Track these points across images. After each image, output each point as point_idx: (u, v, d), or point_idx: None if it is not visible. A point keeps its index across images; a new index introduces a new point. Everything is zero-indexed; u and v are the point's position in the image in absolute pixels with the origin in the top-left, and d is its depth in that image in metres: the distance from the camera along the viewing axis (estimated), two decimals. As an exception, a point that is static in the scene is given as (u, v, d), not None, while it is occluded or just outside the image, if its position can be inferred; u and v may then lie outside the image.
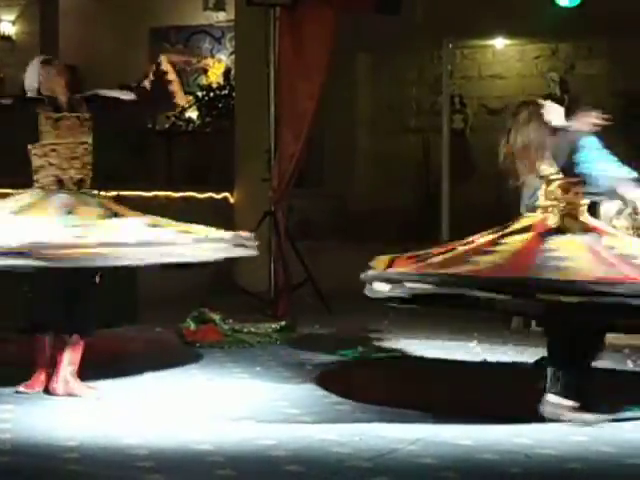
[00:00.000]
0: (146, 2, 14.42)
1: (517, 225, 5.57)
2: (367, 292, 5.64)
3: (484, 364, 7.11)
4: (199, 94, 13.64)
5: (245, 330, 7.99)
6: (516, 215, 5.67)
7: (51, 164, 6.00)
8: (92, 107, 6.16)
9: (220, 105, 13.28)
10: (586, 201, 5.56)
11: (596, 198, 5.82)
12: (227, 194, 11.49)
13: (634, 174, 5.38)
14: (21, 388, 5.86)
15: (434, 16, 11.13)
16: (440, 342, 7.83)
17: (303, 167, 9.78)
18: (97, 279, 5.97)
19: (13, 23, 14.35)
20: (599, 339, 5.58)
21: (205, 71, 14.58)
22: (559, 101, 11.75)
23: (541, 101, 5.73)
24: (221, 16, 14.16)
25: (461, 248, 5.59)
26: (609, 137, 5.60)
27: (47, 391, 5.87)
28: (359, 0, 9.77)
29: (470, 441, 4.94)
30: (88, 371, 6.08)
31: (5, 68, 13.91)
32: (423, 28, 11.19)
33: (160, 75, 6.58)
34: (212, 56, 14.58)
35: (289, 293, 9.37)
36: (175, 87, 6.52)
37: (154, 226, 6.06)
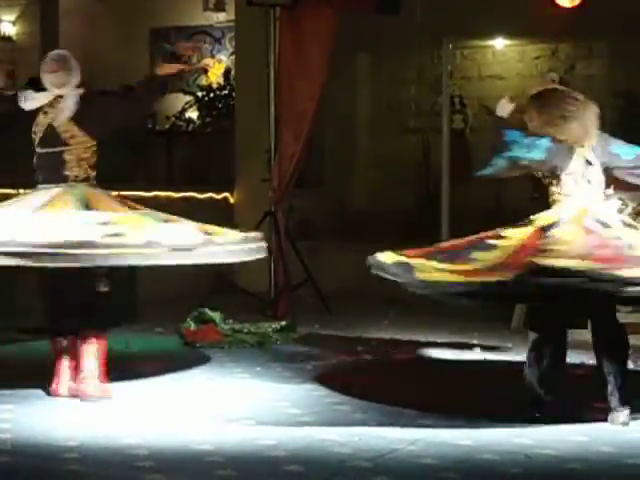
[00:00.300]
0: (146, 2, 14.43)
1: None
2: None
3: (484, 364, 7.11)
4: (199, 94, 13.64)
5: (245, 330, 7.99)
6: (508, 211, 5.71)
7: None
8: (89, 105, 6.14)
9: (220, 105, 13.28)
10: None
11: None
12: (227, 194, 11.49)
13: None
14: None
15: (434, 16, 11.12)
16: (440, 342, 7.83)
17: (303, 167, 9.78)
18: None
19: (13, 23, 14.36)
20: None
21: (205, 71, 14.58)
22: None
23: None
24: (221, 16, 14.17)
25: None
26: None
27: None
28: (359, 0, 9.77)
29: (470, 441, 4.94)
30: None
31: (6, 67, 13.93)
32: (423, 28, 11.17)
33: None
34: (212, 56, 14.59)
35: (289, 293, 9.37)
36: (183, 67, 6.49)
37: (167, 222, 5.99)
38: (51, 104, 5.99)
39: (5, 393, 5.85)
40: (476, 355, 7.39)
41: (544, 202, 5.65)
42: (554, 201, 5.62)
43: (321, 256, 10.41)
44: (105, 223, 5.63)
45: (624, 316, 7.51)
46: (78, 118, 5.96)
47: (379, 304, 8.68)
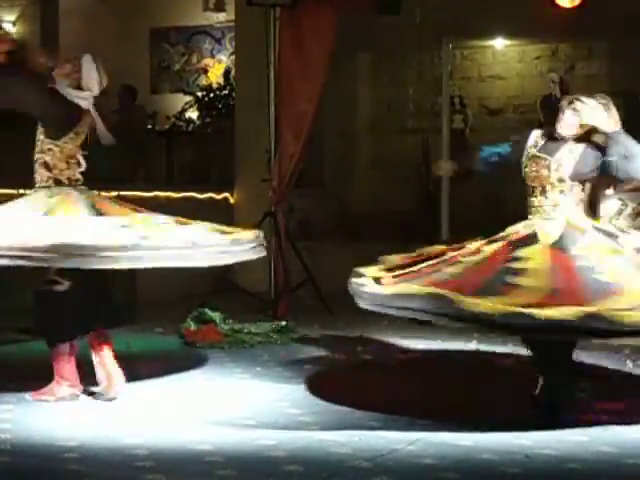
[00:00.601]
0: (146, 2, 14.43)
1: (519, 232, 5.60)
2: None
3: (484, 364, 7.11)
4: (199, 94, 13.64)
5: (245, 330, 7.99)
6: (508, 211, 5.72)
7: (47, 164, 5.92)
8: None
9: (220, 105, 13.28)
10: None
11: None
12: (227, 194, 11.49)
13: None
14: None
15: (434, 16, 11.13)
16: (440, 342, 7.83)
17: (303, 167, 9.78)
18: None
19: (14, 24, 14.35)
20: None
21: (205, 71, 14.58)
22: (559, 101, 11.78)
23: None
24: (221, 16, 14.17)
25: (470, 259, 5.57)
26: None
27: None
28: (359, 0, 9.77)
29: (470, 441, 4.94)
30: (88, 371, 6.08)
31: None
32: (423, 28, 11.19)
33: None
34: (212, 56, 14.59)
35: (289, 293, 9.37)
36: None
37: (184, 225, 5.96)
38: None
39: (5, 393, 5.84)
40: (476, 355, 7.39)
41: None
42: (532, 210, 5.61)
43: (321, 256, 10.41)
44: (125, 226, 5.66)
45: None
46: None
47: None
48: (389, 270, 5.67)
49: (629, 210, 7.01)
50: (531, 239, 5.49)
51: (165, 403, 5.83)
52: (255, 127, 10.47)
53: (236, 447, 4.84)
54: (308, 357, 7.24)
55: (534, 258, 5.35)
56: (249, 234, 6.11)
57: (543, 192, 5.59)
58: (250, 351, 7.54)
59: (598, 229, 5.57)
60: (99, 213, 5.81)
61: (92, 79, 6.04)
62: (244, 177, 11.35)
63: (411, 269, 5.59)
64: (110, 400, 5.75)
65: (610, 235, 5.58)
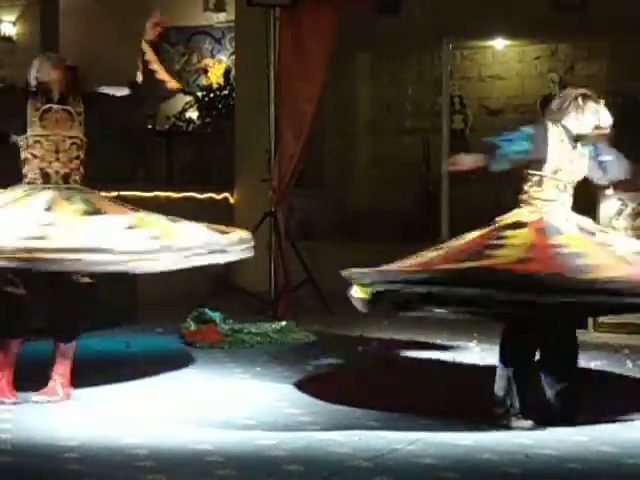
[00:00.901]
0: (146, 2, 14.41)
1: (509, 220, 5.57)
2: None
3: (484, 365, 7.11)
4: (199, 94, 13.64)
5: (245, 330, 7.99)
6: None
7: (35, 156, 5.91)
8: (87, 104, 6.12)
9: (220, 105, 13.28)
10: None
11: None
12: (227, 194, 11.49)
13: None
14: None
15: (434, 16, 11.13)
16: (440, 342, 7.83)
17: (303, 167, 9.78)
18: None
19: (14, 24, 14.34)
20: None
21: (205, 71, 14.58)
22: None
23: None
24: (221, 17, 14.16)
25: (459, 242, 5.59)
26: (609, 137, 5.62)
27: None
28: (359, 0, 9.77)
29: (470, 441, 4.94)
30: (88, 371, 6.09)
31: (6, 68, 13.92)
32: (423, 28, 11.19)
33: (145, 65, 6.45)
34: (212, 57, 14.59)
35: (289, 293, 9.37)
36: (161, 74, 6.35)
37: (132, 228, 5.83)
38: None
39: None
40: (476, 355, 7.39)
41: None
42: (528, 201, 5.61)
43: (321, 256, 10.41)
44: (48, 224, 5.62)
45: (621, 316, 7.55)
46: None
47: (379, 304, 8.67)
48: None
49: (629, 210, 7.03)
50: (519, 225, 5.48)
51: (165, 403, 5.83)
52: (255, 127, 10.47)
53: (236, 447, 4.84)
54: (308, 357, 7.24)
55: (517, 236, 5.36)
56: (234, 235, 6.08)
57: (571, 189, 5.58)
58: (250, 351, 7.54)
59: (582, 229, 5.54)
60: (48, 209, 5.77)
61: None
62: (244, 177, 11.35)
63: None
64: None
65: (594, 234, 5.57)
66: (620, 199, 7.12)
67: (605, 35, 11.38)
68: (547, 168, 5.52)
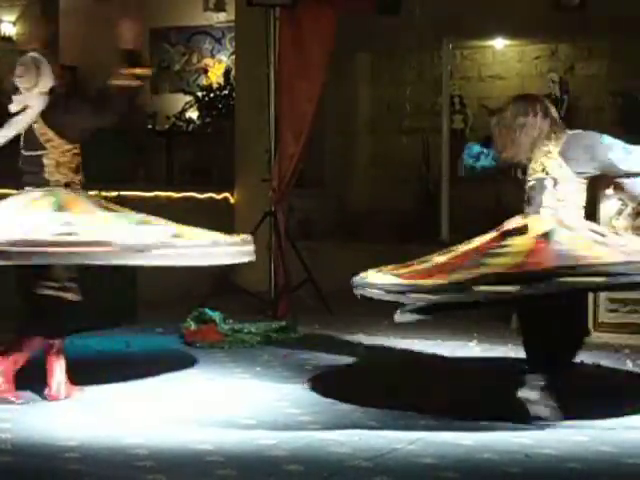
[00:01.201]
0: (146, 2, 14.42)
1: (514, 225, 5.58)
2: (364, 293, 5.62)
3: (484, 364, 7.11)
4: (199, 94, 13.64)
5: (245, 330, 7.99)
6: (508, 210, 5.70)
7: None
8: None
9: (220, 105, 13.28)
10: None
11: None
12: (227, 194, 11.49)
13: None
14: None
15: (434, 16, 11.13)
16: (440, 342, 7.83)
17: (303, 167, 9.79)
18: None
19: (14, 24, 14.34)
20: None
21: (205, 71, 14.58)
22: (559, 101, 11.83)
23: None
24: (221, 17, 14.16)
25: (462, 249, 5.60)
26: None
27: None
28: (359, 0, 9.77)
29: (470, 441, 4.94)
30: (88, 371, 6.09)
31: (5, 68, 13.91)
32: (423, 28, 11.19)
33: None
34: (212, 56, 14.59)
35: (289, 293, 9.37)
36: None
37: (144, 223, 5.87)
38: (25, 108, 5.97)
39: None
40: (476, 355, 7.39)
41: None
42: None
43: (321, 256, 10.41)
44: (67, 223, 5.60)
45: (622, 316, 7.56)
46: (54, 122, 5.90)
47: (379, 304, 8.67)
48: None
49: (629, 210, 7.01)
50: (523, 230, 5.50)
51: (165, 403, 5.83)
52: (255, 127, 10.48)
53: (236, 447, 4.84)
54: (308, 357, 7.24)
55: (517, 244, 5.37)
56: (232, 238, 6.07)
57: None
58: (250, 351, 7.54)
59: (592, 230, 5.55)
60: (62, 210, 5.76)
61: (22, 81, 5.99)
62: (244, 177, 11.35)
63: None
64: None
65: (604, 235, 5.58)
66: (620, 199, 7.12)
67: (605, 35, 11.38)
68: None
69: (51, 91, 5.98)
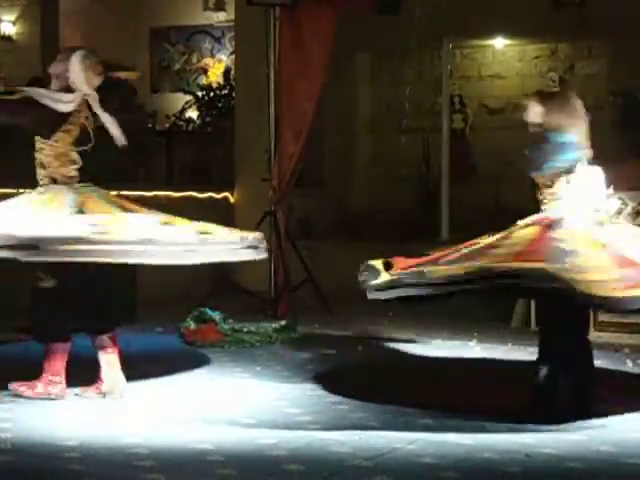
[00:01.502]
0: (146, 2, 14.43)
1: (520, 223, 5.60)
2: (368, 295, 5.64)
3: (484, 364, 7.11)
4: (199, 94, 13.65)
5: (245, 330, 7.99)
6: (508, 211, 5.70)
7: (42, 162, 5.95)
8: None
9: (220, 105, 13.28)
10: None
11: None
12: (227, 194, 11.50)
13: None
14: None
15: (434, 16, 11.13)
16: (440, 342, 7.83)
17: (303, 167, 9.78)
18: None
19: (14, 23, 14.34)
20: None
21: (205, 71, 14.59)
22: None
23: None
24: (221, 16, 14.17)
25: (464, 250, 5.61)
26: (608, 137, 5.63)
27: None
28: (359, 0, 9.77)
29: (470, 441, 4.94)
30: (88, 371, 6.08)
31: (5, 68, 13.91)
32: (423, 28, 11.19)
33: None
34: (212, 56, 14.60)
35: (289, 293, 9.37)
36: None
37: (167, 224, 5.93)
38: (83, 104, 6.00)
39: (5, 393, 5.84)
40: (476, 355, 7.39)
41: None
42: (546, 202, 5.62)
43: (321, 256, 10.42)
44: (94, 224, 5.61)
45: (622, 315, 7.55)
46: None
47: (379, 304, 8.67)
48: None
49: (629, 209, 7.02)
50: (529, 224, 5.51)
51: (165, 403, 5.83)
52: (255, 127, 10.47)
53: (236, 446, 4.84)
54: (308, 357, 7.24)
55: (521, 235, 5.39)
56: (233, 235, 6.07)
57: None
58: (250, 351, 7.54)
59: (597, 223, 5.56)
60: (80, 211, 5.78)
61: (79, 79, 5.94)
62: (244, 177, 11.35)
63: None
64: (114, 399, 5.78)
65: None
66: (620, 198, 7.12)
67: (605, 35, 11.39)
68: None
69: None
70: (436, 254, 5.67)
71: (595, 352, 6.99)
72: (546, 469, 4.57)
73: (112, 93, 6.16)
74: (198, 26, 14.61)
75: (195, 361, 7.05)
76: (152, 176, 11.79)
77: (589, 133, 5.62)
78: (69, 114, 5.91)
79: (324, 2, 9.35)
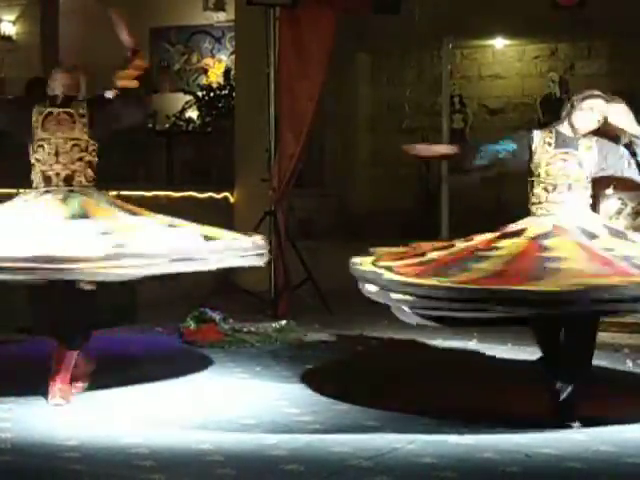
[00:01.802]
0: (146, 2, 14.43)
1: (515, 227, 5.57)
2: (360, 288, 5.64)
3: (484, 364, 7.11)
4: (199, 94, 13.65)
5: (245, 330, 7.99)
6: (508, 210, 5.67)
7: (37, 160, 5.94)
8: (95, 108, 6.13)
9: (220, 105, 13.29)
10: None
11: None
12: (227, 194, 11.50)
13: None
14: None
15: (434, 16, 11.13)
16: (440, 342, 7.83)
17: (303, 167, 9.78)
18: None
19: (14, 23, 14.35)
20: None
21: (205, 71, 14.59)
22: (559, 101, 11.81)
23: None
24: (221, 16, 14.17)
25: (459, 246, 5.59)
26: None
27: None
28: (359, 0, 9.77)
29: (470, 440, 4.94)
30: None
31: (5, 68, 13.93)
32: (423, 28, 11.19)
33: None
34: (212, 56, 14.60)
35: (289, 293, 9.37)
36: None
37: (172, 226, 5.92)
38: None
39: (5, 393, 5.84)
40: (476, 355, 7.39)
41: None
42: (535, 206, 5.60)
43: (321, 256, 10.41)
44: (106, 233, 5.59)
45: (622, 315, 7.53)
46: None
47: (379, 304, 8.67)
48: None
49: (629, 209, 7.02)
50: (518, 233, 5.49)
51: (165, 403, 5.83)
52: (255, 127, 10.47)
53: (236, 446, 4.84)
54: (308, 357, 7.24)
55: (508, 247, 5.37)
56: (243, 240, 6.05)
57: (562, 189, 5.55)
58: (250, 351, 7.54)
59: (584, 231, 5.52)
60: (84, 216, 5.74)
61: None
62: (244, 177, 11.34)
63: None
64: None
65: (617, 234, 5.57)
66: (620, 198, 7.12)
67: (605, 35, 11.39)
68: (532, 171, 5.57)
69: None
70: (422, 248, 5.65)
71: (595, 352, 7.01)
72: (546, 469, 4.57)
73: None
74: (198, 26, 14.61)
75: (195, 361, 7.05)
76: (152, 176, 11.79)
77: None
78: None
79: (324, 2, 9.35)
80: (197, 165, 12.38)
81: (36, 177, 5.96)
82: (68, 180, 5.93)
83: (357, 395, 5.92)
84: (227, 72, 13.58)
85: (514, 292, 4.88)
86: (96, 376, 6.08)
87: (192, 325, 7.98)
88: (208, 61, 14.62)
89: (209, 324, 8.00)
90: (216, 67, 14.43)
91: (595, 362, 6.67)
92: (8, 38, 14.32)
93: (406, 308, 5.27)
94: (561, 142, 5.60)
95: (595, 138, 5.60)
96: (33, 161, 5.96)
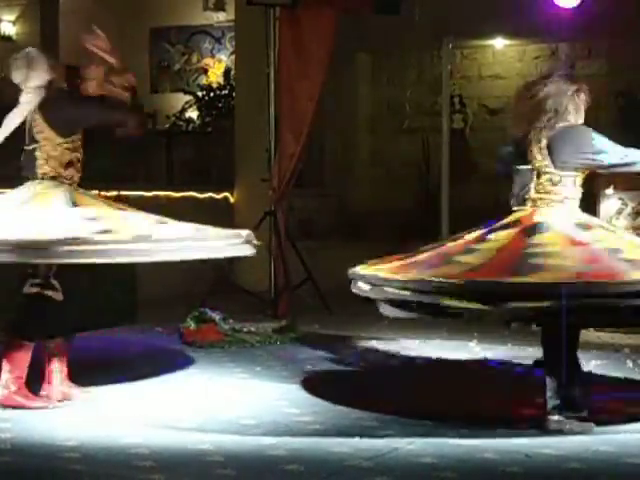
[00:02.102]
0: (146, 2, 14.43)
1: (505, 220, 5.54)
2: (353, 289, 5.64)
3: (484, 364, 7.11)
4: (199, 94, 13.65)
5: (245, 330, 7.99)
6: (508, 210, 5.64)
7: (43, 157, 5.95)
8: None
9: (220, 105, 13.29)
10: (577, 195, 5.54)
11: None
12: (227, 194, 11.50)
13: None
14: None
15: (434, 16, 11.13)
16: (440, 342, 7.83)
17: (303, 167, 9.79)
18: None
19: (14, 23, 14.34)
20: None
21: (205, 71, 14.59)
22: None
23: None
24: (221, 16, 14.17)
25: (449, 244, 5.59)
26: (608, 137, 5.62)
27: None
28: (359, 0, 9.77)
29: (470, 441, 4.94)
30: (88, 371, 6.09)
31: (5, 68, 13.90)
32: (423, 28, 11.19)
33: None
34: (212, 56, 14.60)
35: (289, 293, 9.37)
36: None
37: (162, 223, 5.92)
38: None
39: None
40: (476, 355, 7.39)
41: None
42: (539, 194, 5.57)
43: (321, 256, 10.41)
44: (93, 219, 5.60)
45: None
46: (50, 115, 5.92)
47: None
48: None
49: (629, 209, 7.02)
50: (509, 225, 5.47)
51: (165, 403, 5.83)
52: (255, 127, 10.47)
53: (236, 447, 4.84)
54: (308, 357, 7.24)
55: (497, 240, 5.35)
56: (230, 231, 6.06)
57: (566, 182, 5.53)
58: (250, 351, 7.54)
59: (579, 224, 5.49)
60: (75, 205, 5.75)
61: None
62: (244, 177, 11.35)
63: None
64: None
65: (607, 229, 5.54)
66: (620, 198, 7.12)
67: (605, 35, 11.38)
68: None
69: (49, 85, 6.00)
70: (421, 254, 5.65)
71: (595, 352, 7.03)
72: (546, 469, 4.57)
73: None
74: (198, 26, 14.61)
75: (195, 361, 7.05)
76: (152, 176, 11.78)
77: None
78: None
79: (324, 2, 9.35)
80: (197, 165, 12.38)
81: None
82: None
83: (357, 395, 5.92)
84: (227, 72, 13.58)
85: (484, 284, 4.91)
86: (96, 376, 6.09)
87: (192, 325, 7.98)
88: (208, 61, 14.62)
89: (209, 324, 8.00)
90: (216, 67, 14.43)
91: (595, 362, 6.71)
92: (8, 38, 14.31)
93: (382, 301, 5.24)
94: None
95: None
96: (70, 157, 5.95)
